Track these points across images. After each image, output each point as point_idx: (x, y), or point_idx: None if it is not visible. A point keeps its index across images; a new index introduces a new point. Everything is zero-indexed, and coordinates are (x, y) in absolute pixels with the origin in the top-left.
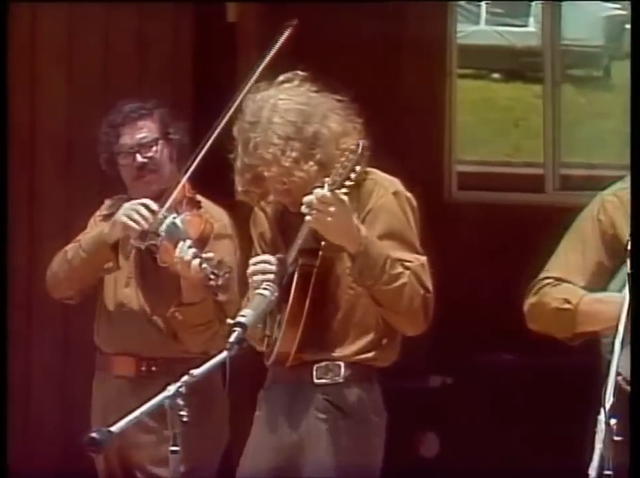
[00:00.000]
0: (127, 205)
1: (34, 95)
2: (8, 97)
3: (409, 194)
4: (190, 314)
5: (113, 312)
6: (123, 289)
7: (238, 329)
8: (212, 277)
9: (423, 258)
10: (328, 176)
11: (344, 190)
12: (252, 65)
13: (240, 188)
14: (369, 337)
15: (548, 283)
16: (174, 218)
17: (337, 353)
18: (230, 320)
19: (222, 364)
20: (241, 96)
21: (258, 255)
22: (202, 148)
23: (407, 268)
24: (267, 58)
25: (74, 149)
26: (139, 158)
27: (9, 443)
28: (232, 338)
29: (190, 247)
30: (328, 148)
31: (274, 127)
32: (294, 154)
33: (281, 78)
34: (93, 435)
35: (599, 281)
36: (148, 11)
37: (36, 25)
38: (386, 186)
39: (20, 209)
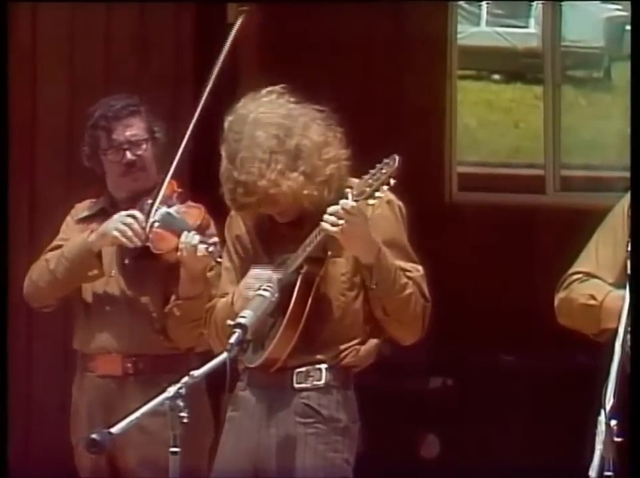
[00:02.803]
0: (116, 217)
1: (35, 95)
2: (8, 97)
3: (400, 203)
4: (188, 309)
5: (96, 310)
6: (105, 286)
7: (238, 330)
8: (218, 260)
9: (421, 267)
10: (313, 186)
11: (372, 201)
12: (252, 66)
13: (233, 201)
14: (354, 342)
15: (577, 279)
16: (168, 208)
17: (321, 357)
18: (230, 322)
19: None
20: (207, 90)
21: (232, 257)
22: (181, 146)
23: (409, 278)
24: (226, 47)
25: (75, 150)
26: (128, 155)
27: (9, 442)
28: (232, 340)
29: (195, 234)
30: (311, 159)
31: (258, 141)
32: (279, 166)
33: (260, 92)
34: (94, 436)
35: None
36: (149, 12)
37: (37, 25)
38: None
39: (21, 210)
